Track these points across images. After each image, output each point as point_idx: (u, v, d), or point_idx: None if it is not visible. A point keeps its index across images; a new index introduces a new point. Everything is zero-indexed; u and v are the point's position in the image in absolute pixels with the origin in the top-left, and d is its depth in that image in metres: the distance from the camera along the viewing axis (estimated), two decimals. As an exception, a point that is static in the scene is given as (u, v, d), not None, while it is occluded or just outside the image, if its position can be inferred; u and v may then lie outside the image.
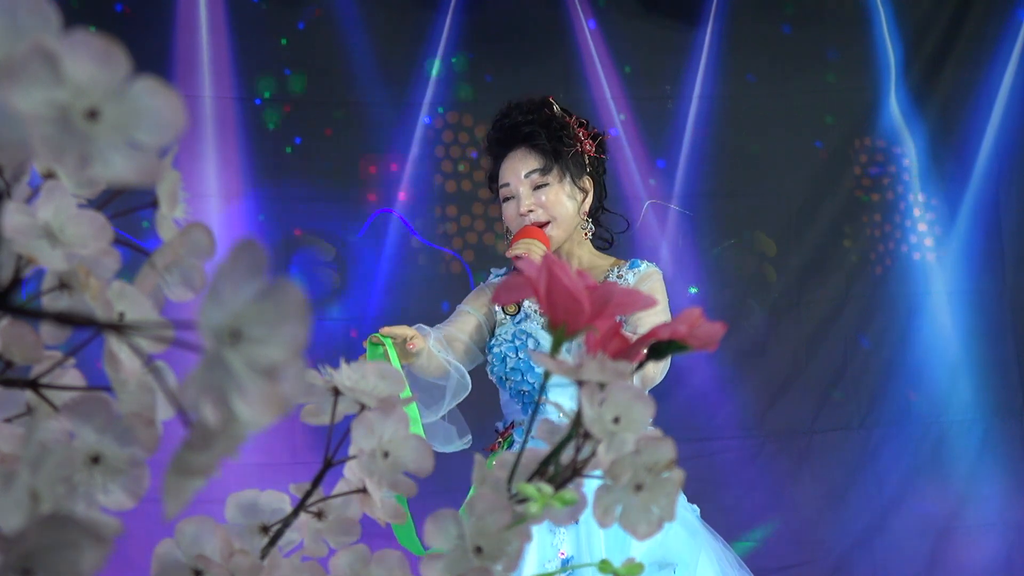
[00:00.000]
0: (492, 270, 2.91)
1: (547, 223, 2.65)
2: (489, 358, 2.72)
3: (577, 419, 0.53)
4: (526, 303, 2.72)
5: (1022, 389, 4.79)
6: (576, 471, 0.48)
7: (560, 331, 0.60)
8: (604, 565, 0.45)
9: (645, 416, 0.55)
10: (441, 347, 2.59)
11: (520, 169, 2.66)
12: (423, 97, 4.64)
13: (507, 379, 2.69)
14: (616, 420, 0.54)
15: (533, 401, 2.66)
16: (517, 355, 2.67)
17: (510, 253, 2.57)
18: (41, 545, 0.35)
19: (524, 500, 0.45)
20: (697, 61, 4.77)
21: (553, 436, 0.51)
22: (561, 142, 2.68)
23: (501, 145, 2.71)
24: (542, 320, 2.74)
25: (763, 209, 4.79)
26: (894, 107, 4.81)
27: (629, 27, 4.76)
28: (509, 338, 2.69)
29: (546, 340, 2.69)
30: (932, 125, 4.82)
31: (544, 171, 2.65)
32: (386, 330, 2.41)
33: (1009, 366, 4.79)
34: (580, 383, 0.55)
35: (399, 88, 4.64)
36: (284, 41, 4.60)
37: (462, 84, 4.70)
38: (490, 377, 2.75)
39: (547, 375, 0.60)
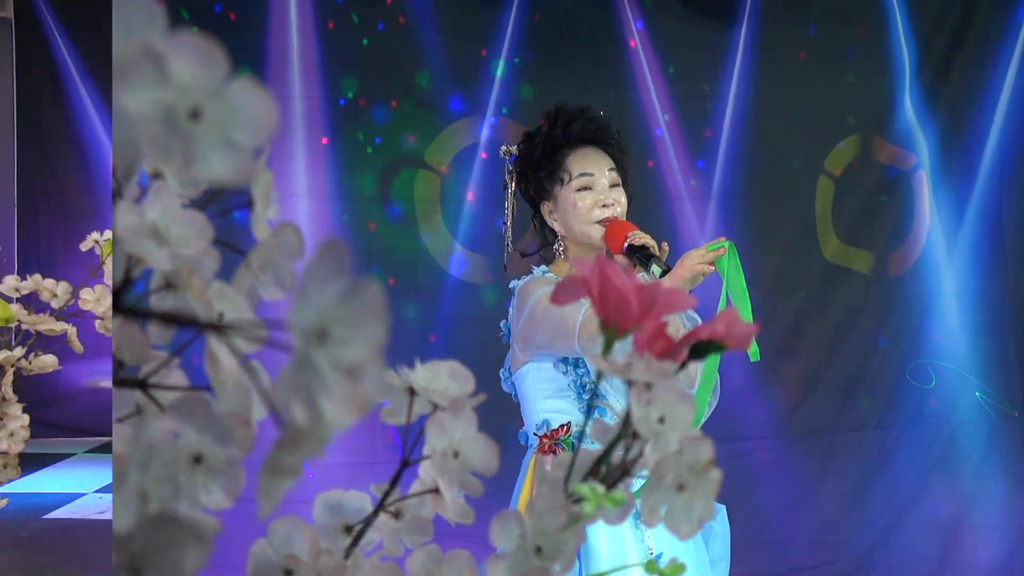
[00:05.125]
0: (533, 267, 2.58)
1: None
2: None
3: (626, 419, 0.52)
4: None
5: (1023, 389, 4.66)
6: (625, 471, 0.47)
7: (611, 331, 0.59)
8: (650, 565, 0.44)
9: (688, 416, 0.54)
10: None
11: (603, 163, 2.52)
12: (489, 97, 4.58)
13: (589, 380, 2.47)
14: (661, 420, 0.53)
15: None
16: None
17: (639, 240, 2.38)
18: (149, 544, 0.35)
19: (580, 500, 0.44)
20: (733, 61, 4.65)
21: (606, 436, 0.50)
22: (625, 155, 2.60)
23: (569, 142, 2.53)
24: None
25: (790, 211, 4.68)
26: (908, 107, 4.64)
27: (673, 27, 4.62)
28: None
29: None
30: (942, 125, 4.63)
31: (619, 170, 2.54)
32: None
33: (1011, 366, 4.65)
34: (629, 383, 0.54)
35: (468, 88, 4.59)
36: (365, 42, 4.58)
37: (523, 84, 4.64)
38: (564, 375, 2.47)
39: (599, 374, 0.60)
